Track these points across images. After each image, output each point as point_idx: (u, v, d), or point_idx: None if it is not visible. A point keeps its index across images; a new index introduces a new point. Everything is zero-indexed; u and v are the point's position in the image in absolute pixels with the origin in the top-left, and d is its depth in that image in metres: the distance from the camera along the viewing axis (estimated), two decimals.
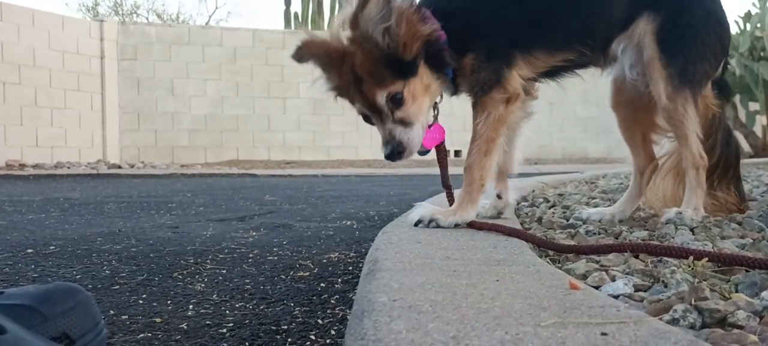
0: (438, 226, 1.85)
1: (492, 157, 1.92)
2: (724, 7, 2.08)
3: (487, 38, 1.91)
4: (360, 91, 1.82)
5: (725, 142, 2.15)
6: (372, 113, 1.86)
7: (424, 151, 1.98)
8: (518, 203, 2.90)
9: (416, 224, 1.87)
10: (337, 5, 14.40)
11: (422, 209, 1.92)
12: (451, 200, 2.04)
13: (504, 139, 1.98)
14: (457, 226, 1.85)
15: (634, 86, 2.09)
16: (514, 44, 1.92)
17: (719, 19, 2.05)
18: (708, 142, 2.12)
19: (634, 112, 2.20)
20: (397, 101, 1.82)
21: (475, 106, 1.93)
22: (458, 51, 1.89)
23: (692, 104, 1.97)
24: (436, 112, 1.97)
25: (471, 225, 1.85)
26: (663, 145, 2.25)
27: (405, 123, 1.83)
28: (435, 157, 2.08)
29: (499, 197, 2.18)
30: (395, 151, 1.83)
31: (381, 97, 1.81)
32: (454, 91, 1.98)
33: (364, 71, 1.80)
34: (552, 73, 2.03)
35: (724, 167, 2.16)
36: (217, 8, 32.57)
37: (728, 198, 2.17)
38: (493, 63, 1.89)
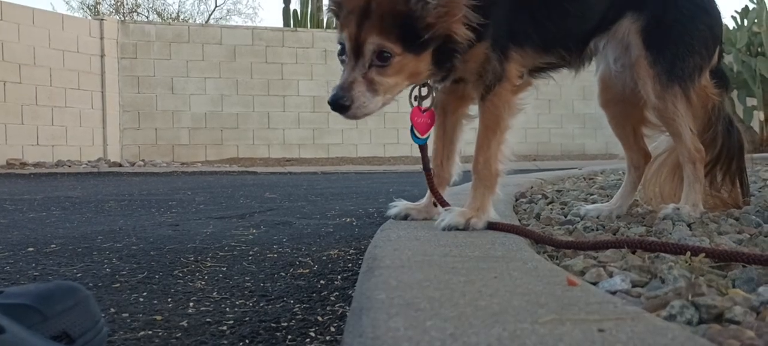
0: (475, 229, 1.71)
1: (506, 146, 1.86)
2: None
3: (498, 27, 1.82)
4: (359, 23, 1.67)
5: (727, 132, 2.14)
6: (351, 53, 1.69)
7: (421, 140, 1.92)
8: (517, 200, 2.90)
9: (444, 229, 1.72)
10: None
11: (451, 216, 1.76)
12: (430, 183, 1.96)
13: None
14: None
15: (621, 82, 2.09)
16: (513, 40, 1.86)
17: (707, 8, 2.04)
18: (708, 134, 2.11)
19: (624, 108, 2.20)
20: (382, 60, 1.67)
21: (483, 97, 1.85)
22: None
23: (683, 100, 1.96)
24: (433, 96, 1.89)
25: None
26: (655, 139, 2.26)
27: (372, 87, 1.68)
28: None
29: (434, 204, 2.01)
30: (342, 104, 1.66)
31: (372, 45, 1.66)
32: (444, 78, 1.86)
33: (379, 10, 1.65)
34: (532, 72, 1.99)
35: (727, 159, 2.15)
36: (216, 6, 32.52)
37: (732, 195, 2.17)
38: (496, 54, 1.81)
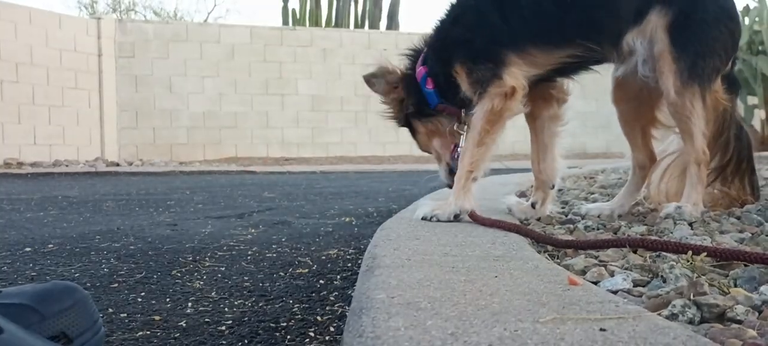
0: (439, 220, 1.91)
1: (485, 149, 1.95)
2: (735, 2, 2.08)
3: (469, 45, 1.97)
4: None
5: (737, 136, 2.15)
6: None
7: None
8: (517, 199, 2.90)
9: (422, 219, 1.94)
10: (334, 1, 14.36)
11: (424, 207, 1.98)
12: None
13: (541, 140, 2.15)
14: (456, 217, 1.91)
15: (637, 82, 2.08)
16: (502, 45, 1.94)
17: (732, 14, 2.05)
18: (721, 139, 2.12)
19: (636, 106, 2.20)
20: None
21: (476, 104, 1.96)
22: (449, 65, 2.00)
23: (700, 100, 1.96)
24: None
25: (473, 219, 1.86)
26: (662, 141, 2.26)
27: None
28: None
29: (533, 206, 2.19)
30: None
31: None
32: (469, 103, 2.01)
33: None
34: (563, 70, 2.04)
35: (737, 161, 2.16)
36: (215, 5, 32.54)
37: (741, 192, 2.17)
38: (485, 64, 1.93)
